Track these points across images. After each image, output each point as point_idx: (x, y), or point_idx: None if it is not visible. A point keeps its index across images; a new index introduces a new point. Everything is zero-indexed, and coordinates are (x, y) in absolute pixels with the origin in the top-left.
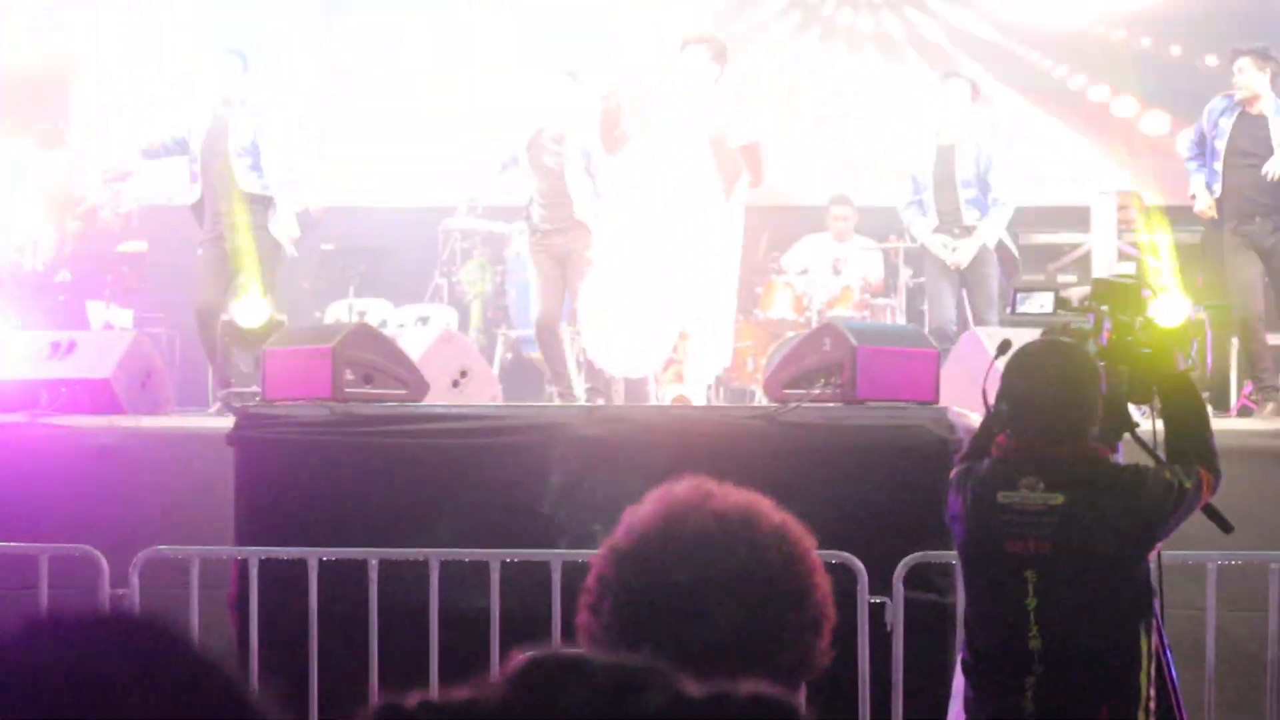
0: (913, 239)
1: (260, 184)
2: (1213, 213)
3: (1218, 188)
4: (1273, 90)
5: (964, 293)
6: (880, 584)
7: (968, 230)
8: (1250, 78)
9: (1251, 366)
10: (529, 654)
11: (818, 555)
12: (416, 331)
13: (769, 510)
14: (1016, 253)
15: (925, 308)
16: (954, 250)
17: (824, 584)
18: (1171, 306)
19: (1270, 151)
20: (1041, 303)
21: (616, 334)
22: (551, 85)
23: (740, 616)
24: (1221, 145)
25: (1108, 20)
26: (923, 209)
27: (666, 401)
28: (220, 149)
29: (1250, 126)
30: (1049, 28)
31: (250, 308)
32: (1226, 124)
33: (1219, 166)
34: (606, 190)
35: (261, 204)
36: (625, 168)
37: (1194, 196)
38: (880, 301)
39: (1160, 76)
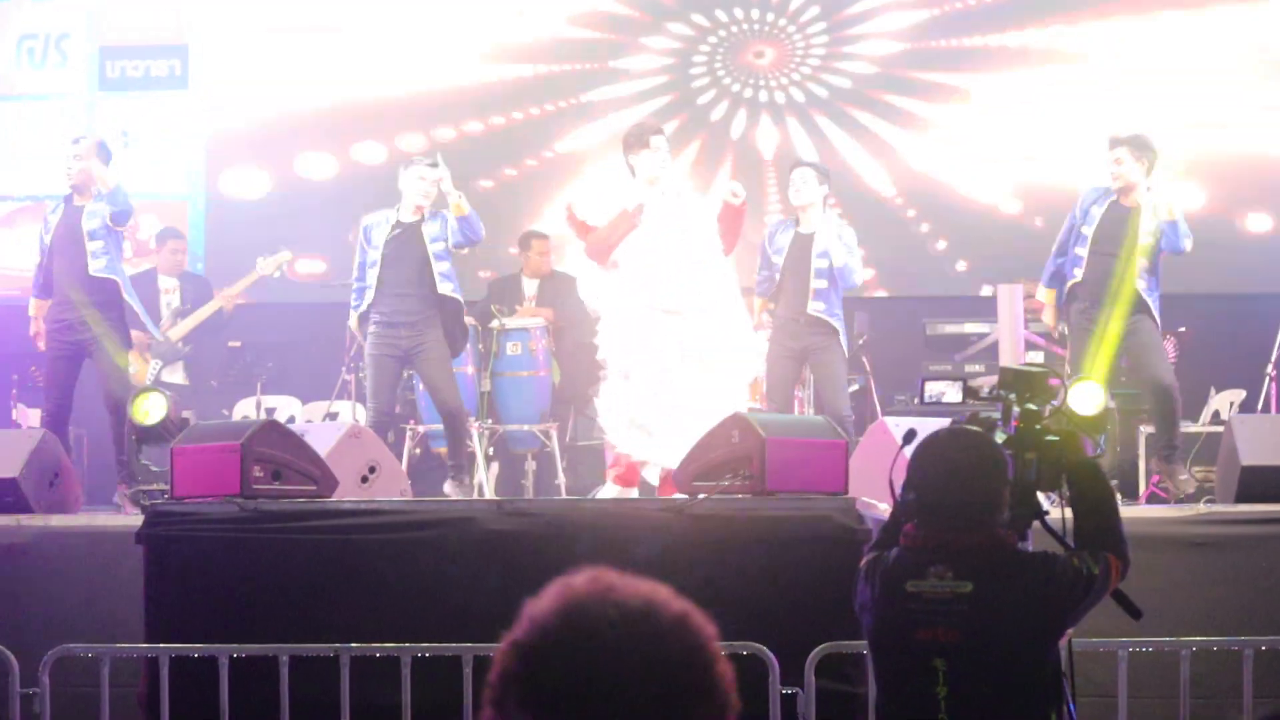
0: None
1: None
2: (1051, 324)
3: (1079, 272)
4: (1145, 181)
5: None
6: (792, 674)
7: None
8: (1128, 168)
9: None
10: None
11: (719, 645)
12: (324, 428)
13: (669, 600)
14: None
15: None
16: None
17: (727, 673)
18: (1088, 394)
19: (1127, 246)
20: (949, 392)
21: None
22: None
23: (644, 709)
24: (1089, 232)
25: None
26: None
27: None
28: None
29: (1118, 216)
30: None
31: (143, 404)
32: (1097, 212)
33: (1082, 252)
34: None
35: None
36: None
37: (1040, 305)
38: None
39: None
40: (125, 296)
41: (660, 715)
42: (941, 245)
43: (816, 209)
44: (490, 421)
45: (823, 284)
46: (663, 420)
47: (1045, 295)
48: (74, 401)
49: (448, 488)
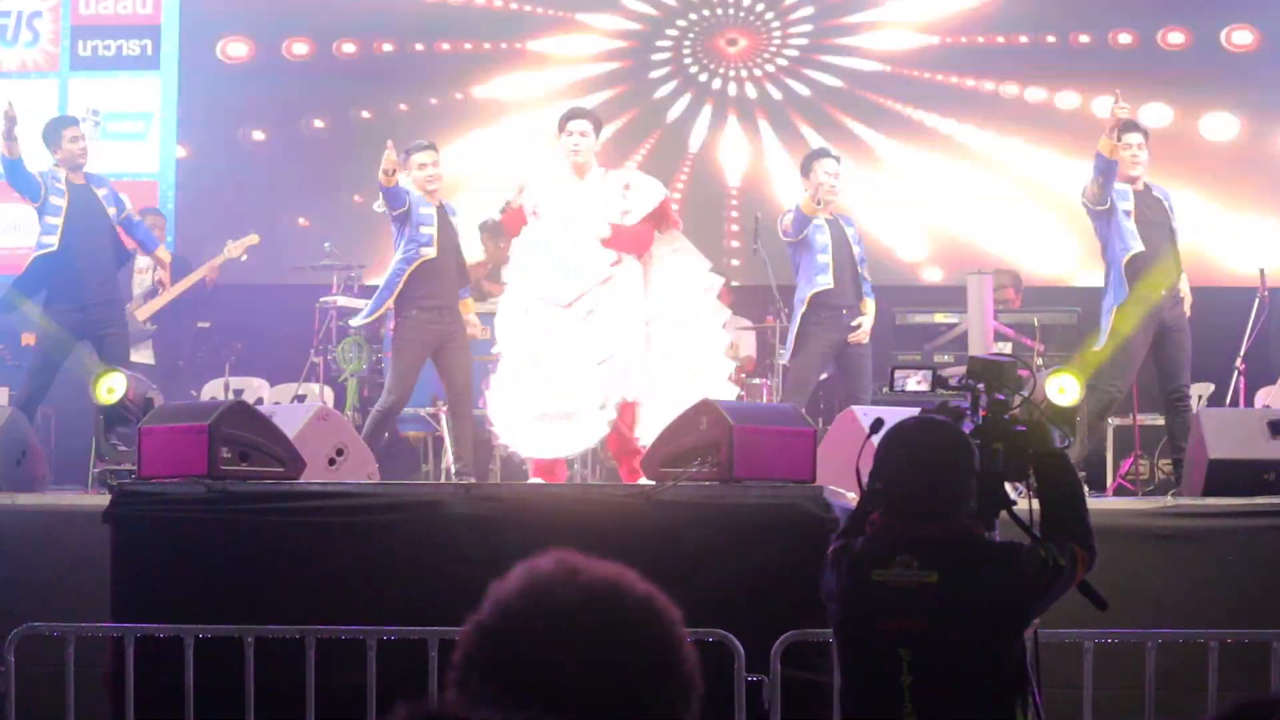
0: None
1: None
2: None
3: (1135, 245)
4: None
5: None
6: (757, 662)
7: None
8: (1145, 154)
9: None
10: (407, 707)
11: (684, 628)
12: (293, 409)
13: (635, 582)
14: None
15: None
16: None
17: (691, 655)
18: (1067, 385)
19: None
20: (918, 381)
21: (527, 416)
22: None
23: (608, 690)
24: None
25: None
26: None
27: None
28: None
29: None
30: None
31: (104, 383)
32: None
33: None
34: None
35: None
36: (521, 256)
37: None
38: (756, 381)
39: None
40: None
41: (624, 696)
42: (916, 238)
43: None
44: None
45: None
46: (547, 419)
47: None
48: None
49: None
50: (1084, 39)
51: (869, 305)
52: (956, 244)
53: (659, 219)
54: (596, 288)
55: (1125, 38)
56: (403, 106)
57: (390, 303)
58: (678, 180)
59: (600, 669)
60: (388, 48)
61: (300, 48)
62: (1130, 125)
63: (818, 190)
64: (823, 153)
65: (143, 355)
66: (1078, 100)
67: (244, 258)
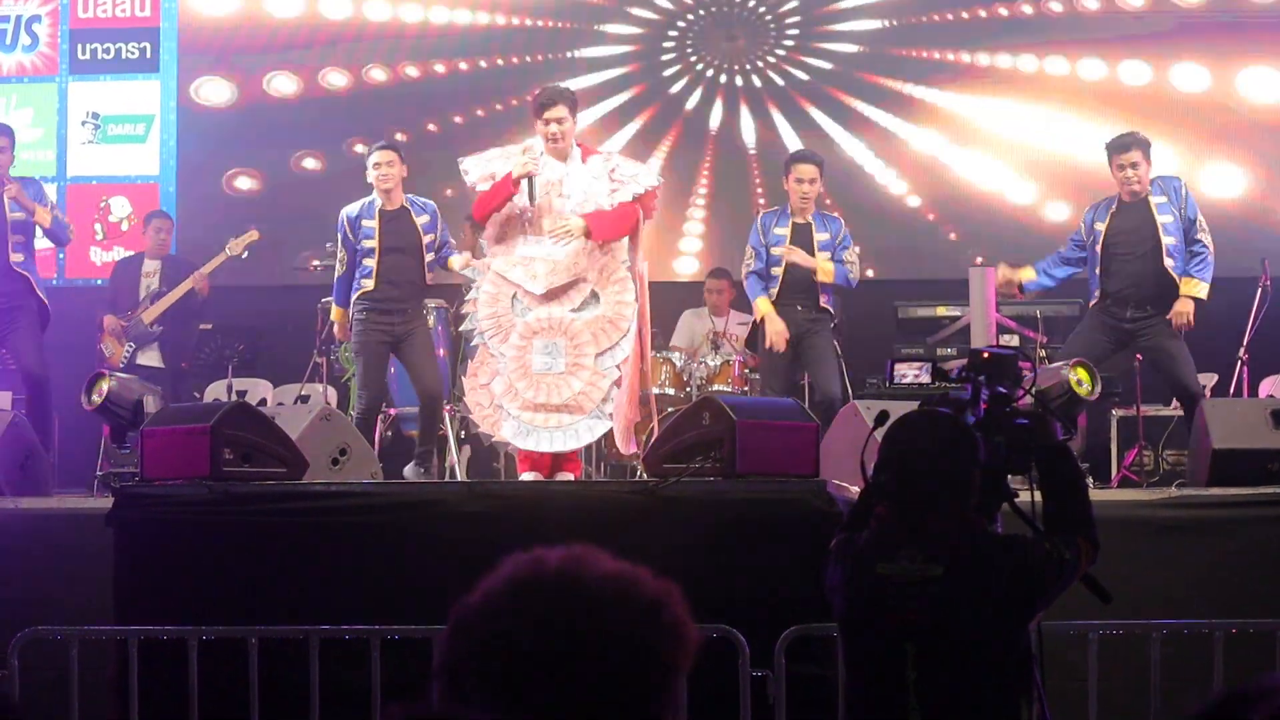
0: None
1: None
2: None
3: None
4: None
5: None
6: (762, 657)
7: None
8: (1144, 170)
9: None
10: (401, 708)
11: (679, 610)
12: (295, 410)
13: (644, 579)
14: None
15: (805, 381)
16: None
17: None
18: (1086, 378)
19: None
20: (919, 374)
21: (518, 407)
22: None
23: (606, 685)
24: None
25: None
26: (764, 280)
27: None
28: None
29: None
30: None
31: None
32: (1102, 226)
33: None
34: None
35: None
36: (504, 240)
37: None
38: (758, 376)
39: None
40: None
41: (625, 692)
42: (931, 219)
43: (813, 202)
44: (463, 405)
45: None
46: (543, 411)
47: (1026, 273)
48: (49, 386)
49: (408, 471)
50: (1055, 6)
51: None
52: (965, 212)
53: (645, 204)
54: (589, 276)
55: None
56: (431, 127)
57: (335, 312)
58: (702, 169)
59: (582, 659)
60: (412, 71)
61: (338, 79)
62: (1119, 145)
63: (792, 197)
64: (796, 157)
65: (150, 358)
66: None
67: (244, 254)
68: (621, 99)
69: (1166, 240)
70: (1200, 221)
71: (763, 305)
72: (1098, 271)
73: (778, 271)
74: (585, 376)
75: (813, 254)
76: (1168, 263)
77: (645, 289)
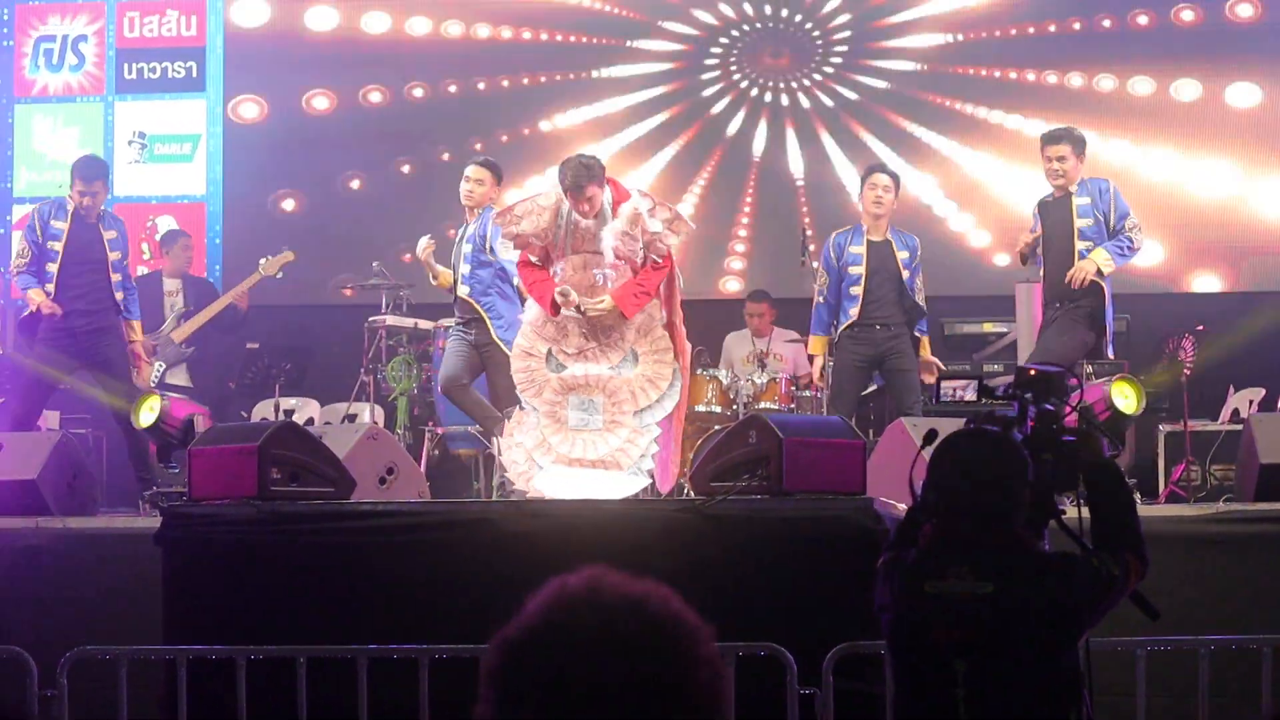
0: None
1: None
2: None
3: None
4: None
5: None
6: (810, 675)
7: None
8: (1071, 165)
9: None
10: None
11: (710, 646)
12: (343, 429)
13: (661, 599)
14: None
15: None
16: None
17: (714, 675)
18: (1129, 393)
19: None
20: (966, 391)
21: (551, 461)
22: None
23: (616, 708)
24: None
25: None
26: (832, 311)
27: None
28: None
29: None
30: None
31: (143, 408)
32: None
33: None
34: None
35: None
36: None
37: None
38: (806, 394)
39: None
40: None
41: (633, 716)
42: (979, 242)
43: (889, 218)
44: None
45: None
46: (579, 465)
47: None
48: (91, 405)
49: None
50: (1106, 24)
51: (924, 345)
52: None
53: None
54: (627, 334)
55: (1143, 19)
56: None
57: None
58: (746, 194)
59: (608, 686)
60: (453, 88)
61: (376, 96)
62: (1050, 137)
63: (866, 208)
64: (870, 169)
65: (178, 377)
66: (1113, 82)
67: (279, 274)
68: (661, 118)
69: (1080, 244)
70: (1130, 220)
71: (816, 346)
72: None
73: (857, 291)
74: (624, 434)
75: (897, 270)
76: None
77: (681, 332)
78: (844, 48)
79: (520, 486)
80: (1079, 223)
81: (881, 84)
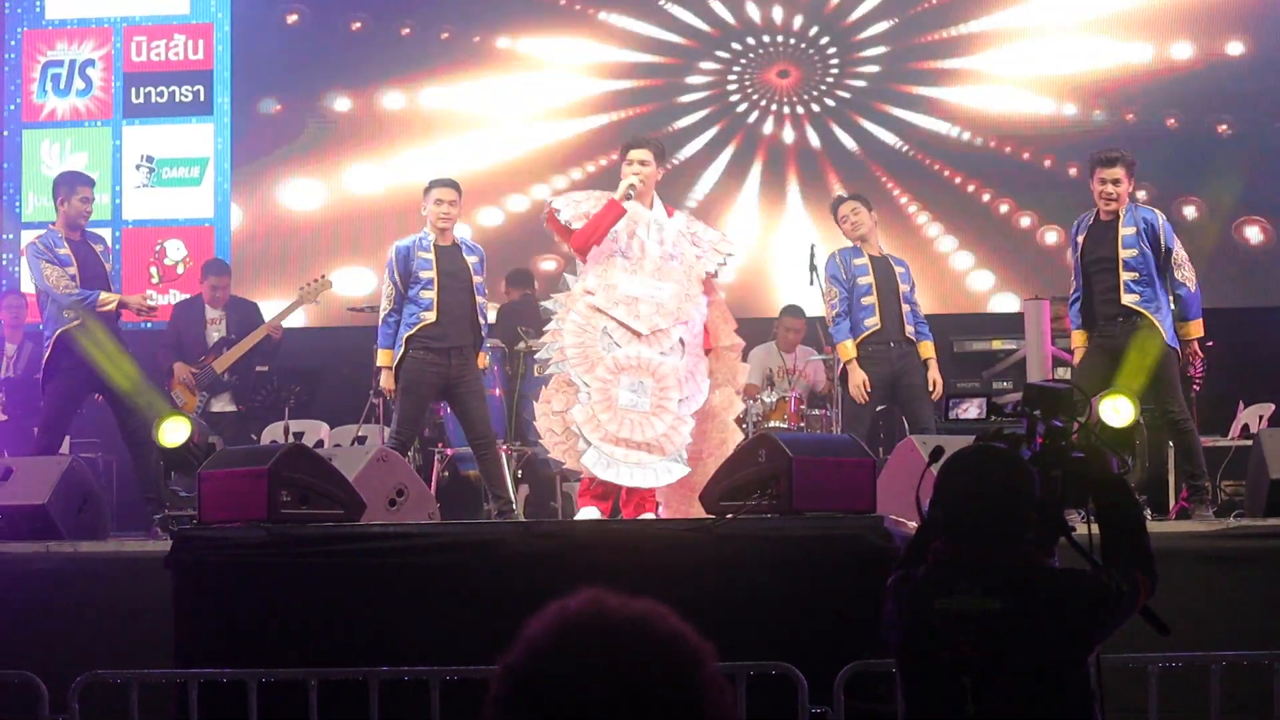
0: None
1: None
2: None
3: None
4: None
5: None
6: (821, 694)
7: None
8: (1125, 188)
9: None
10: None
11: (712, 665)
12: (353, 452)
13: (662, 619)
14: None
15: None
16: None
17: (719, 695)
18: (1121, 408)
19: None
20: (974, 409)
21: (599, 437)
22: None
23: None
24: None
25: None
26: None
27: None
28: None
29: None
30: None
31: (169, 428)
32: (1082, 239)
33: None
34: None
35: None
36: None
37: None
38: (815, 413)
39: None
40: None
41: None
42: (967, 261)
43: (875, 235)
44: (519, 443)
45: (907, 306)
46: (624, 445)
47: (1079, 338)
48: (101, 430)
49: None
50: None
51: (928, 348)
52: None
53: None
54: (676, 325)
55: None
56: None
57: (385, 355)
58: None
59: (618, 710)
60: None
61: (395, 100)
62: (1104, 160)
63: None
64: (837, 201)
65: (222, 403)
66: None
67: (318, 301)
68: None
69: (1126, 275)
70: (1178, 256)
71: (845, 351)
72: (1081, 283)
73: (869, 301)
74: (668, 420)
75: (895, 287)
76: (1126, 298)
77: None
78: (862, 83)
79: (557, 457)
80: (1124, 254)
81: (891, 138)
